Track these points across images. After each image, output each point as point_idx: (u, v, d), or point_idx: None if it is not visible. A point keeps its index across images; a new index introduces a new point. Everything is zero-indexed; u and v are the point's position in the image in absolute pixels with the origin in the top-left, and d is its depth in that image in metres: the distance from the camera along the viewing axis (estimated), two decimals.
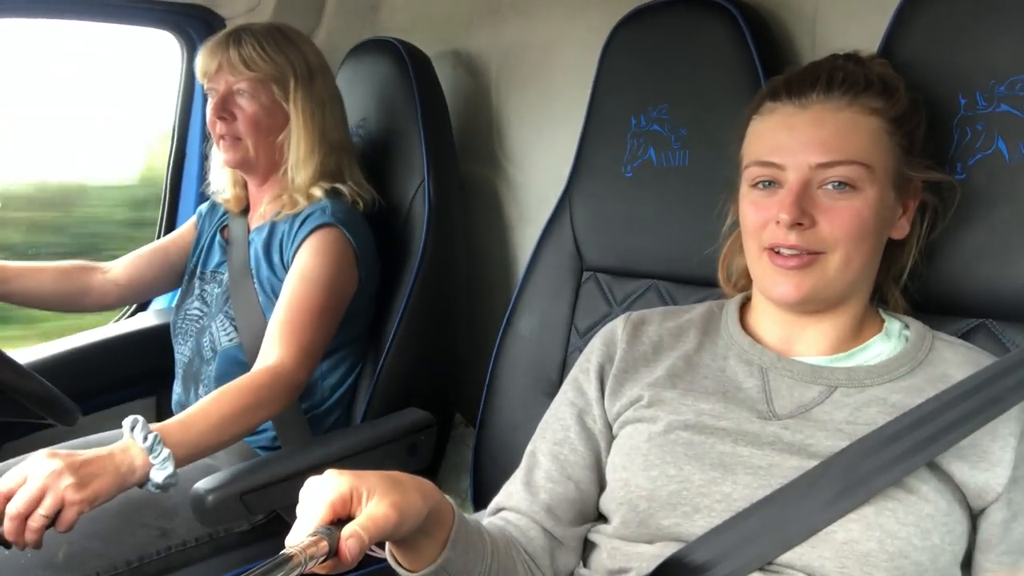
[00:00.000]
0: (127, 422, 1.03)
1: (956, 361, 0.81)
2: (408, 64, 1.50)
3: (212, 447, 1.09)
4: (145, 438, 1.01)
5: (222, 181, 1.49)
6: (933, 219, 0.88)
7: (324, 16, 1.80)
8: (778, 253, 0.83)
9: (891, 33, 0.95)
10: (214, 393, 1.12)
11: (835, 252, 0.81)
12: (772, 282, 0.84)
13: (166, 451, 1.01)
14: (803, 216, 0.80)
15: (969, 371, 0.79)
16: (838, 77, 0.83)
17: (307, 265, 1.28)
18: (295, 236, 1.31)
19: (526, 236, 1.58)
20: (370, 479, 0.64)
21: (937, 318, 0.89)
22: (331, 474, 0.64)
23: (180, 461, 1.03)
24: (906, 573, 0.72)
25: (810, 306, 0.85)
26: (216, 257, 1.46)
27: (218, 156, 1.46)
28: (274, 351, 1.20)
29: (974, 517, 0.77)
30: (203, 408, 1.10)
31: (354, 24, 1.82)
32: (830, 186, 0.81)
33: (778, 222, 0.81)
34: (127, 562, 1.16)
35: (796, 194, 0.81)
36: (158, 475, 1.01)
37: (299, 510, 0.62)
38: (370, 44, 1.62)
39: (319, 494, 0.62)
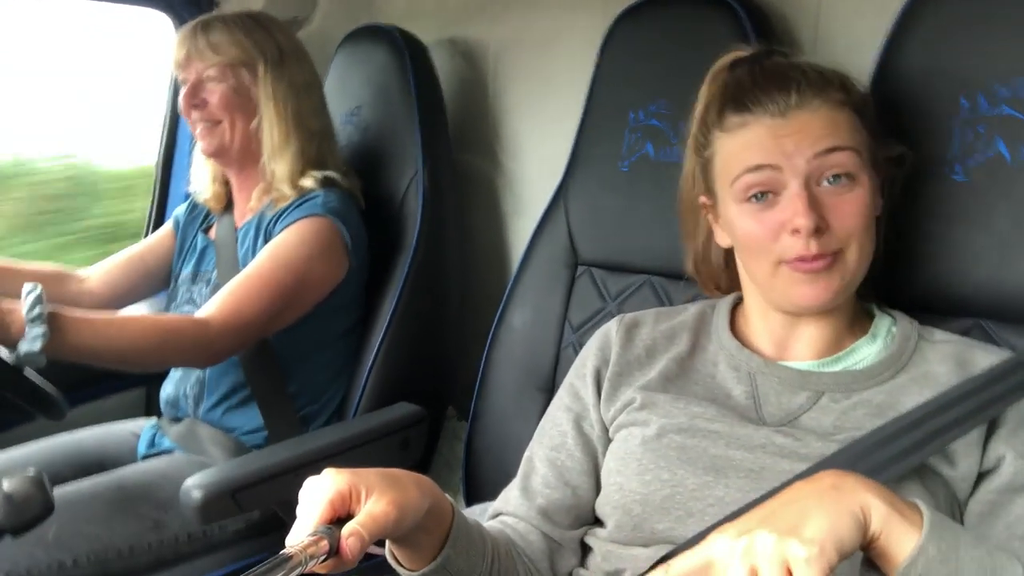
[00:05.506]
0: (27, 286, 1.03)
1: (937, 359, 0.81)
2: (404, 52, 1.48)
3: (97, 355, 1.09)
4: (32, 308, 1.00)
5: (203, 180, 1.47)
6: (890, 191, 0.88)
7: (319, 2, 1.77)
8: (802, 261, 0.79)
9: (895, 32, 0.95)
10: (135, 315, 1.12)
11: (851, 247, 0.80)
12: (798, 292, 0.80)
13: (42, 329, 1.01)
14: (820, 220, 0.77)
15: (950, 366, 0.80)
16: (798, 80, 0.81)
17: (280, 242, 1.27)
18: (283, 224, 1.29)
19: (521, 228, 1.56)
20: (369, 477, 0.64)
21: (933, 318, 0.89)
22: (330, 473, 0.63)
23: (57, 350, 1.02)
24: None
25: (832, 304, 0.82)
26: (203, 258, 1.44)
27: (199, 154, 1.44)
28: (210, 309, 1.19)
29: (961, 506, 0.77)
30: (112, 319, 1.11)
31: (349, 11, 1.78)
32: (827, 182, 0.79)
33: (795, 231, 0.78)
34: (117, 551, 1.15)
35: (807, 197, 0.78)
36: (21, 346, 1.01)
37: (298, 509, 0.62)
38: (366, 31, 1.59)
39: (318, 493, 0.62)
